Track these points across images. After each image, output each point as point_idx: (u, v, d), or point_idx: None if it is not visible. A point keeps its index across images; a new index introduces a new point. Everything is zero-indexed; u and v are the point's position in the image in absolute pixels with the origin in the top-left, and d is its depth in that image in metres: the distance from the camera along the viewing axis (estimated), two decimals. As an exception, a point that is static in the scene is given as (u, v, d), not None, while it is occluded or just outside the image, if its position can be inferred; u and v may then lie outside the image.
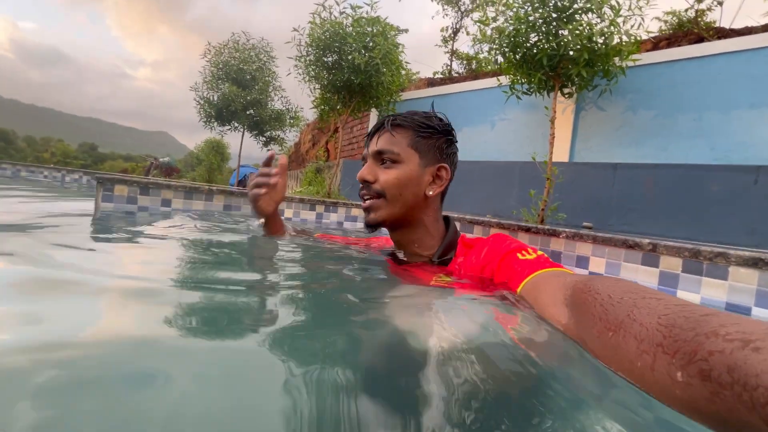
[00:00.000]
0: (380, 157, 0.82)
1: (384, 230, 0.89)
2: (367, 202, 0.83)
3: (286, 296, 0.58)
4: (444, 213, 0.91)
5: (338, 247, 1.06)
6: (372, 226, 0.84)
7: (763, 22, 5.11)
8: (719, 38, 4.72)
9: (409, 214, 0.82)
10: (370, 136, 0.87)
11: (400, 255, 0.88)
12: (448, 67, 8.63)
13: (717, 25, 5.46)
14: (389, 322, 0.52)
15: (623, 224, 2.78)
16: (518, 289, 0.62)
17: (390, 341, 0.47)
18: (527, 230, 1.03)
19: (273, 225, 1.00)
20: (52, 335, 0.35)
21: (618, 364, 0.36)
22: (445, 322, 0.52)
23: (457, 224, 1.18)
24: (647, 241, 0.86)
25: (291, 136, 7.60)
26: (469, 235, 0.94)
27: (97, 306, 0.45)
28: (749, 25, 5.26)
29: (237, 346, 0.39)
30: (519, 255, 0.66)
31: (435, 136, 0.83)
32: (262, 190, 0.92)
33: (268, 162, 0.95)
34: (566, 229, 1.06)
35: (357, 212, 1.46)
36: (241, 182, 9.37)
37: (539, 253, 0.67)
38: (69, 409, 0.27)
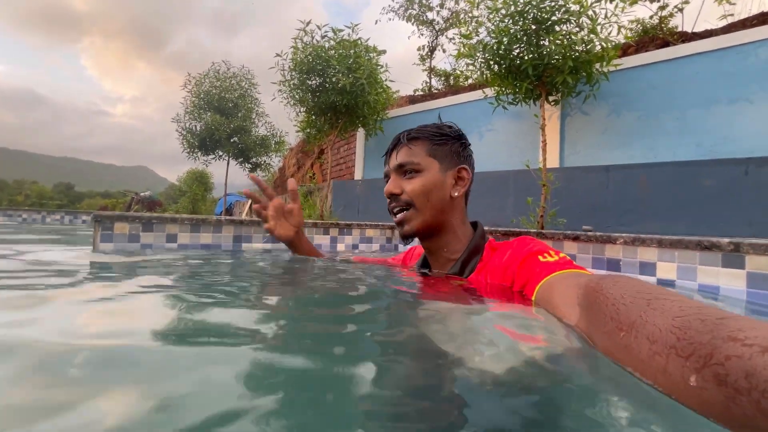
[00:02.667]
0: (402, 169, 0.87)
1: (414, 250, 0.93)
2: (399, 215, 0.86)
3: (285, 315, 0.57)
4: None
5: (365, 267, 1.07)
6: (407, 237, 0.87)
7: (720, 24, 5.43)
8: (683, 41, 4.97)
9: (439, 218, 0.86)
10: (389, 153, 0.91)
11: (426, 270, 0.91)
12: (428, 84, 8.81)
13: (679, 29, 5.76)
14: (382, 335, 0.52)
15: (621, 225, 2.80)
16: (535, 291, 0.61)
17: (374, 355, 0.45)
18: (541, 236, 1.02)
19: (299, 249, 1.04)
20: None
21: (630, 365, 0.35)
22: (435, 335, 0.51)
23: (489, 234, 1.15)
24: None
25: (276, 161, 7.56)
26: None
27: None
28: (708, 28, 5.57)
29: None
30: (540, 257, 0.66)
31: (450, 142, 0.88)
32: (271, 223, 0.98)
33: (255, 196, 1.01)
34: (583, 233, 1.04)
35: (371, 233, 1.40)
36: (228, 211, 9.20)
37: (562, 255, 0.66)
38: None
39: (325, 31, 3.78)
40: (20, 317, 0.49)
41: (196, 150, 6.20)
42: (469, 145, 0.92)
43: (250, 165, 6.56)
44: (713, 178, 2.48)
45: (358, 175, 5.40)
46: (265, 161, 6.75)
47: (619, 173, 2.87)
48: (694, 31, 5.55)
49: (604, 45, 2.58)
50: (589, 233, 0.85)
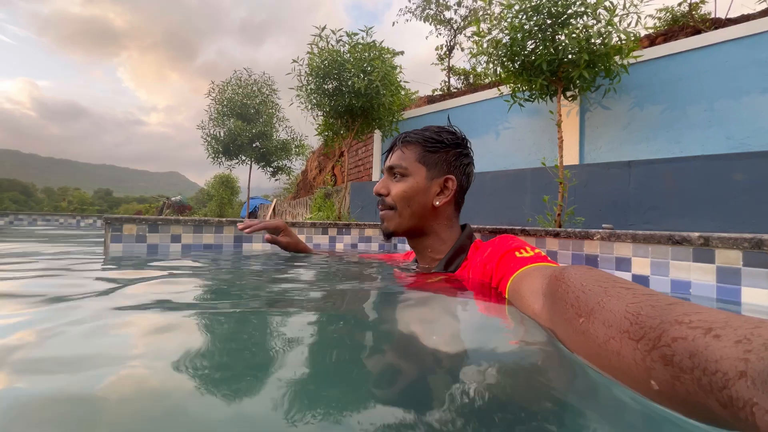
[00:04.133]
0: (392, 171, 0.90)
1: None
2: (381, 213, 0.91)
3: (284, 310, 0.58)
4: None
5: (355, 261, 1.13)
6: (386, 235, 0.92)
7: (759, 8, 5.08)
8: (716, 29, 4.70)
9: (420, 223, 0.88)
10: (387, 152, 0.95)
11: (414, 266, 0.95)
12: (446, 84, 8.74)
13: (712, 16, 5.44)
14: (359, 322, 0.55)
15: (644, 222, 2.68)
16: (507, 285, 0.63)
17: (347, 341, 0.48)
18: (555, 235, 0.98)
19: (296, 249, 1.20)
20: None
21: (587, 349, 0.37)
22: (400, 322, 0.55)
23: (478, 234, 1.15)
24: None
25: (298, 165, 7.72)
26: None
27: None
28: (745, 14, 5.23)
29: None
30: (516, 253, 0.68)
31: (443, 150, 0.88)
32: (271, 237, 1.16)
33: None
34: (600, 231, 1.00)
35: (370, 232, 1.42)
36: (252, 214, 9.46)
37: (537, 251, 0.68)
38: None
39: (340, 36, 3.84)
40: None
41: (220, 155, 6.43)
42: (468, 153, 0.92)
43: (271, 169, 6.73)
44: (744, 172, 2.34)
45: (375, 176, 5.44)
46: (286, 165, 6.91)
47: (643, 169, 2.76)
48: (728, 17, 5.24)
49: (623, 37, 2.49)
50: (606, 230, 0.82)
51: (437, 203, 0.87)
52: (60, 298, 0.59)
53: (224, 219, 1.20)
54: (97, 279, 0.80)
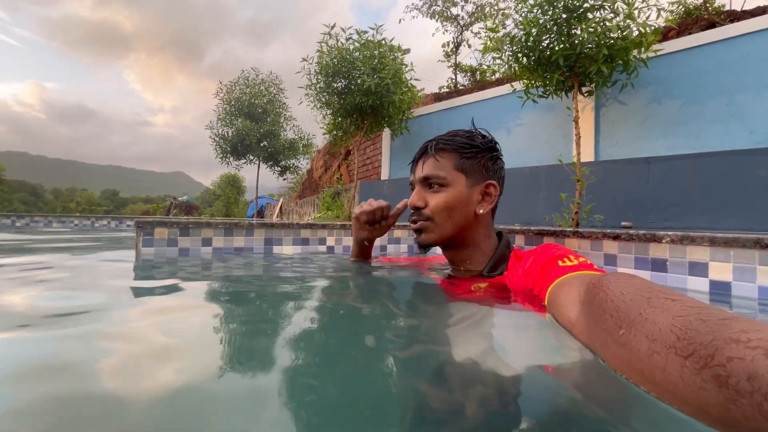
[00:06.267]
0: (427, 182, 0.84)
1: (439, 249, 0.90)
2: (417, 224, 0.85)
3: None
4: (498, 228, 0.90)
5: (395, 268, 1.08)
6: (424, 247, 0.86)
7: (775, 0, 4.97)
8: (731, 21, 4.60)
9: (460, 233, 0.84)
10: (415, 161, 0.89)
11: (449, 270, 0.90)
12: (453, 81, 8.68)
13: (727, 9, 5.34)
14: (406, 336, 0.54)
15: (664, 220, 2.64)
16: (547, 293, 0.61)
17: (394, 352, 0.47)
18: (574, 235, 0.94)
19: (367, 251, 1.10)
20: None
21: (627, 363, 0.35)
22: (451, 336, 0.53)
23: (521, 237, 1.12)
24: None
25: (303, 164, 7.72)
26: (524, 248, 0.89)
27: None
28: (761, 5, 5.13)
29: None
30: (560, 262, 0.65)
31: (479, 155, 0.84)
32: (375, 224, 1.03)
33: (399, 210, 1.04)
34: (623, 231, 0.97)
35: (398, 233, 1.39)
36: (260, 213, 9.48)
37: (582, 259, 0.65)
38: None
39: (350, 34, 3.81)
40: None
41: (228, 155, 6.44)
42: (501, 156, 0.89)
43: (279, 168, 6.73)
44: (769, 167, 2.28)
45: (384, 174, 5.41)
46: (293, 164, 6.91)
47: (662, 165, 2.70)
48: (744, 9, 5.13)
49: (643, 30, 2.43)
50: (631, 231, 0.79)
51: (481, 211, 0.83)
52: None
53: (255, 221, 1.18)
54: (129, 286, 0.78)
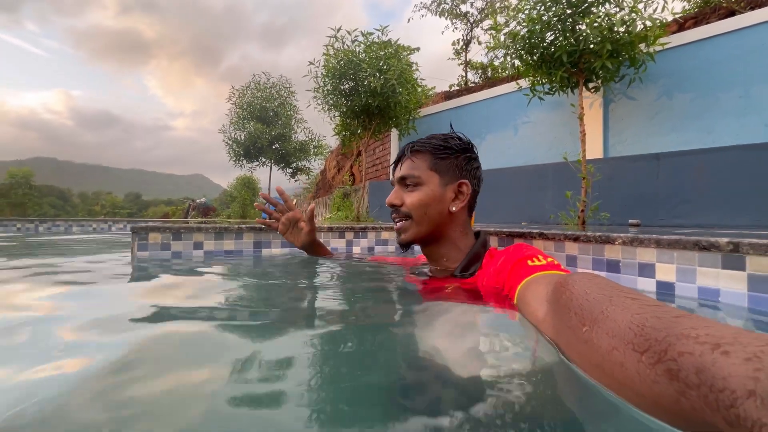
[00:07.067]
0: (404, 182, 0.90)
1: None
2: (398, 224, 0.91)
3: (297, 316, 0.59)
4: (480, 228, 0.94)
5: (371, 265, 1.13)
6: (404, 246, 0.92)
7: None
8: (752, 9, 4.42)
9: (436, 230, 0.89)
10: (395, 164, 0.95)
11: (426, 269, 0.95)
12: (464, 78, 8.62)
13: (747, -5, 5.11)
14: (375, 331, 0.57)
15: (674, 217, 2.57)
16: (516, 292, 0.63)
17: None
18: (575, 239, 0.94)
19: (313, 252, 1.18)
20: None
21: (589, 359, 0.37)
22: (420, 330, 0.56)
23: (495, 238, 1.13)
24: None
25: (317, 165, 7.81)
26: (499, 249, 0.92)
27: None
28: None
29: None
30: (529, 261, 0.67)
31: (453, 156, 0.90)
32: (281, 228, 1.12)
33: (263, 207, 1.14)
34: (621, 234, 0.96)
35: (386, 235, 1.42)
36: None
37: (550, 259, 0.67)
38: None
39: (356, 36, 3.84)
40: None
41: (241, 158, 6.59)
42: (476, 157, 0.93)
43: (291, 170, 6.84)
44: (785, 161, 2.20)
45: (393, 174, 5.43)
46: (305, 165, 7.01)
47: (672, 161, 2.64)
48: (765, -5, 4.91)
49: (648, 24, 2.38)
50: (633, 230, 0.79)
51: (453, 209, 0.88)
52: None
53: (243, 225, 1.23)
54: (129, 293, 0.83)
